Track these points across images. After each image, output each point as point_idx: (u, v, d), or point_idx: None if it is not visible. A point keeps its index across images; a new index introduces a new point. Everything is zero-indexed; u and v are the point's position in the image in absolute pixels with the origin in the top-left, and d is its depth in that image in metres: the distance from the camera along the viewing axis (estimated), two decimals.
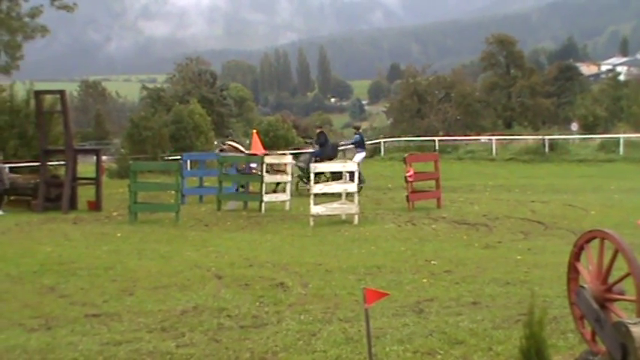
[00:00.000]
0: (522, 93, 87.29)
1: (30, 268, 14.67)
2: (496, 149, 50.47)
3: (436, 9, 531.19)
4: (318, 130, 33.71)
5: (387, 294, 7.26)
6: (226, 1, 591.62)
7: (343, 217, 22.69)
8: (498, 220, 21.25)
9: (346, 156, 34.82)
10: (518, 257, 15.08)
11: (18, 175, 30.45)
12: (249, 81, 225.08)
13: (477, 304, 10.73)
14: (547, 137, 49.67)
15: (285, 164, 27.58)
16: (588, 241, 7.48)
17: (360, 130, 34.78)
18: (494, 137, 54.05)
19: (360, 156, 31.24)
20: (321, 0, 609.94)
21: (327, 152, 31.59)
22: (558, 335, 8.64)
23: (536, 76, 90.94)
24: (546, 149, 48.07)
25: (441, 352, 8.29)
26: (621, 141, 47.79)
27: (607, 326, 6.86)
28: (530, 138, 52.75)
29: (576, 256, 7.62)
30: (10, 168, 30.93)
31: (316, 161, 30.38)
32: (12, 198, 28.32)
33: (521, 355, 5.89)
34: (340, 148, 35.14)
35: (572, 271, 7.69)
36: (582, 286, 7.37)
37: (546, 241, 17.54)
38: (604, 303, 7.13)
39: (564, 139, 52.19)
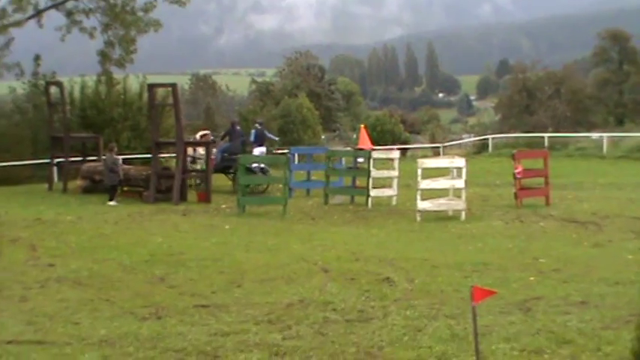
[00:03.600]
0: (635, 89, 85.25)
1: (141, 258, 15.01)
2: (607, 146, 49.44)
3: (547, 3, 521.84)
4: (231, 123, 33.67)
5: (494, 292, 7.23)
6: None
7: (450, 213, 22.60)
8: (608, 219, 20.87)
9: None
10: (629, 257, 14.81)
11: (130, 167, 31.07)
12: (356, 75, 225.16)
13: (586, 303, 10.58)
14: None
15: (393, 159, 27.57)
16: None
17: (258, 126, 34.00)
18: (605, 134, 52.95)
19: (257, 150, 31.25)
20: None
21: (234, 148, 31.44)
22: None
23: None
24: None
25: (548, 351, 8.22)
26: None
27: None
28: None
29: None
30: (123, 159, 31.59)
31: (223, 157, 30.44)
32: (125, 189, 28.93)
33: (633, 356, 5.81)
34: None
35: None
36: None
37: None
38: None
39: None
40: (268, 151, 35.53)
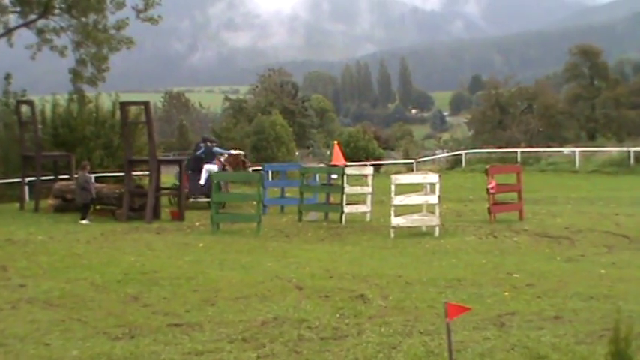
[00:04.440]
0: (606, 104, 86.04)
1: (114, 277, 14.91)
2: (579, 161, 49.74)
3: (518, 19, 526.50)
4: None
5: (468, 308, 7.22)
6: (306, 11, 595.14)
7: (424, 228, 22.64)
8: (581, 233, 20.97)
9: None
10: (602, 271, 14.86)
11: (103, 185, 30.97)
12: (330, 92, 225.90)
13: (560, 318, 10.60)
14: (632, 149, 48.72)
15: (366, 175, 27.60)
16: None
17: (209, 144, 33.97)
18: (577, 149, 53.29)
19: (207, 167, 31.41)
20: (402, 11, 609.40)
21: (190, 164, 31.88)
22: None
23: (621, 87, 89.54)
24: (631, 161, 47.19)
25: None
26: None
27: None
28: (615, 150, 51.86)
29: None
30: (96, 178, 31.48)
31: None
32: (97, 207, 28.83)
33: None
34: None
35: None
36: None
37: (631, 255, 17.27)
38: None
39: None
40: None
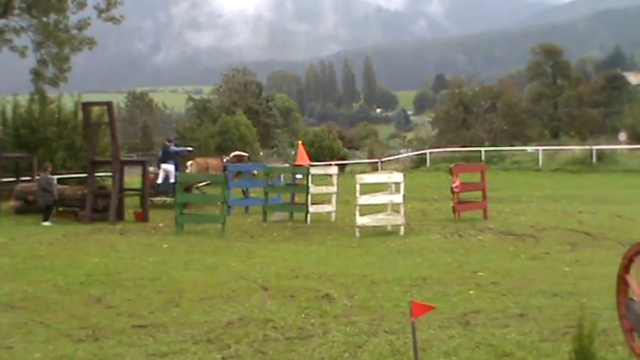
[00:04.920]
0: (569, 103, 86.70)
1: (77, 279, 14.77)
2: (543, 160, 50.05)
3: (481, 19, 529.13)
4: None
5: (433, 307, 7.20)
6: (270, 11, 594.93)
7: (389, 228, 22.67)
8: (545, 231, 21.08)
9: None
10: (566, 269, 14.94)
11: (66, 187, 30.72)
12: (294, 92, 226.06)
13: (524, 316, 10.63)
14: (595, 147, 49.12)
15: (331, 175, 27.62)
16: (638, 252, 7.37)
17: (169, 143, 34.03)
18: (540, 147, 53.68)
19: (164, 167, 31.68)
20: (365, 10, 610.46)
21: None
22: (607, 348, 8.51)
23: (583, 85, 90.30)
24: (594, 159, 47.58)
25: None
26: None
27: None
28: (578, 148, 52.31)
29: (625, 268, 7.52)
30: (58, 179, 31.23)
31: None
32: (60, 209, 28.58)
33: None
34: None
35: (622, 284, 7.59)
36: (632, 299, 7.27)
37: (594, 253, 17.38)
38: None
39: (612, 149, 51.52)
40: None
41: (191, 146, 34.19)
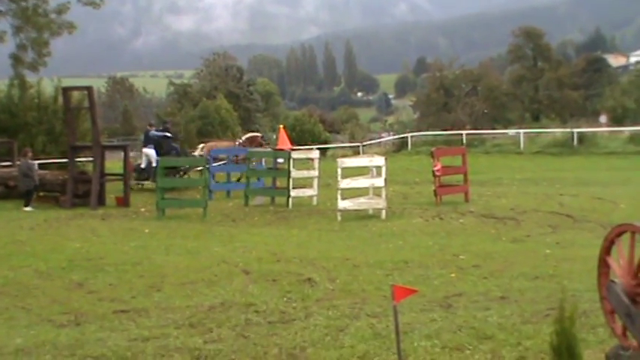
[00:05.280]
0: (550, 86, 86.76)
1: (59, 264, 14.74)
2: (524, 142, 50.13)
3: (462, 2, 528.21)
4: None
5: (415, 291, 7.21)
6: None
7: (370, 211, 22.70)
8: (526, 214, 21.15)
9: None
10: (547, 251, 15.00)
11: (46, 172, 30.57)
12: (275, 75, 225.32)
13: (506, 298, 10.67)
14: (575, 130, 49.22)
15: (313, 159, 27.61)
16: (619, 234, 7.39)
17: (150, 128, 34.07)
18: (521, 130, 53.72)
19: (145, 151, 31.85)
20: None
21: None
22: (588, 330, 8.56)
23: (563, 68, 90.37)
24: (574, 142, 47.65)
25: (470, 347, 8.23)
26: None
27: (638, 321, 6.79)
28: (558, 131, 52.33)
29: (607, 250, 7.53)
30: (39, 164, 31.08)
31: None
32: (41, 194, 28.46)
33: (552, 351, 5.82)
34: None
35: (603, 266, 7.60)
36: (613, 281, 7.29)
37: (575, 235, 17.46)
38: (635, 297, 7.05)
39: (593, 131, 51.65)
40: None
41: (167, 129, 34.01)
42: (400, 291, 6.77)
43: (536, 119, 77.56)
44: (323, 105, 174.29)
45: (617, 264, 7.42)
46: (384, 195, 22.22)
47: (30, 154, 27.87)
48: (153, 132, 32.80)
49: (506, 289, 11.36)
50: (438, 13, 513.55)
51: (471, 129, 62.23)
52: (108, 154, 30.84)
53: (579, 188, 27.97)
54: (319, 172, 27.05)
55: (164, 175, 25.67)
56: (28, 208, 26.17)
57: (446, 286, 11.79)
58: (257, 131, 44.27)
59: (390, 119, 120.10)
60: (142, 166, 31.82)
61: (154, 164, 30.62)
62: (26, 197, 26.77)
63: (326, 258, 14.68)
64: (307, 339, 8.78)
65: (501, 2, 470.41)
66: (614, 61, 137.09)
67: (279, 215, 23.44)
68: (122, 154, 29.77)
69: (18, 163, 29.02)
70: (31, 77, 40.81)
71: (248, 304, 10.79)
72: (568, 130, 50.64)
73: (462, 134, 54.38)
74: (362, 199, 23.09)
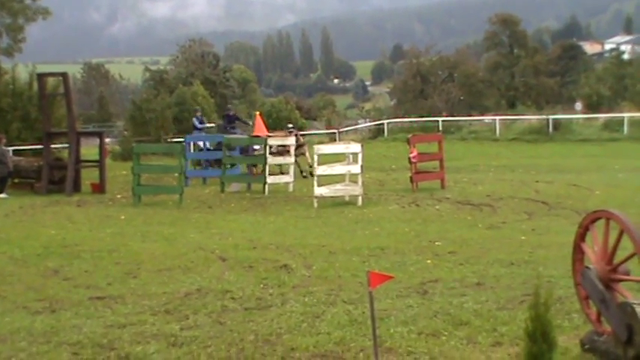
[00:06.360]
0: (526, 72, 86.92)
1: (34, 251, 14.67)
2: (499, 129, 50.25)
3: None
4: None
5: (391, 277, 7.22)
6: None
7: (347, 198, 22.72)
8: (502, 201, 21.24)
9: None
10: (523, 238, 15.07)
11: (21, 158, 30.47)
12: (251, 62, 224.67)
13: (481, 285, 10.71)
14: (551, 117, 49.32)
15: (289, 146, 27.59)
16: (593, 221, 7.43)
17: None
18: (497, 117, 53.85)
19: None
20: None
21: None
22: (563, 316, 8.61)
23: (539, 55, 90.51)
24: (550, 129, 47.82)
25: (446, 333, 8.27)
26: (625, 120, 47.51)
27: (612, 307, 6.84)
28: (534, 118, 52.46)
29: (581, 236, 7.58)
30: (14, 151, 30.94)
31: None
32: (16, 181, 28.34)
33: (527, 337, 5.85)
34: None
35: (578, 252, 7.65)
36: (587, 267, 7.34)
37: (550, 221, 17.54)
38: (609, 283, 7.10)
39: (568, 118, 51.75)
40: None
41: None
42: (376, 277, 6.78)
43: (512, 106, 77.66)
44: (300, 92, 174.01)
45: (592, 250, 7.47)
46: (360, 182, 22.26)
47: (4, 141, 27.72)
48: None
49: (481, 275, 11.40)
50: None
51: (447, 116, 62.28)
52: (83, 141, 30.70)
53: (555, 175, 28.11)
54: (295, 159, 27.05)
55: (138, 162, 25.51)
56: (2, 195, 26.05)
57: (422, 272, 11.82)
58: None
59: (367, 106, 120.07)
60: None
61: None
62: (0, 184, 26.63)
63: (302, 245, 14.69)
64: (283, 325, 8.79)
65: None
66: (590, 48, 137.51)
67: (256, 202, 23.44)
68: (98, 140, 29.66)
69: None
70: (5, 63, 40.61)
71: (224, 291, 10.79)
72: (544, 117, 50.81)
73: (438, 121, 54.43)
74: (338, 186, 23.11)
